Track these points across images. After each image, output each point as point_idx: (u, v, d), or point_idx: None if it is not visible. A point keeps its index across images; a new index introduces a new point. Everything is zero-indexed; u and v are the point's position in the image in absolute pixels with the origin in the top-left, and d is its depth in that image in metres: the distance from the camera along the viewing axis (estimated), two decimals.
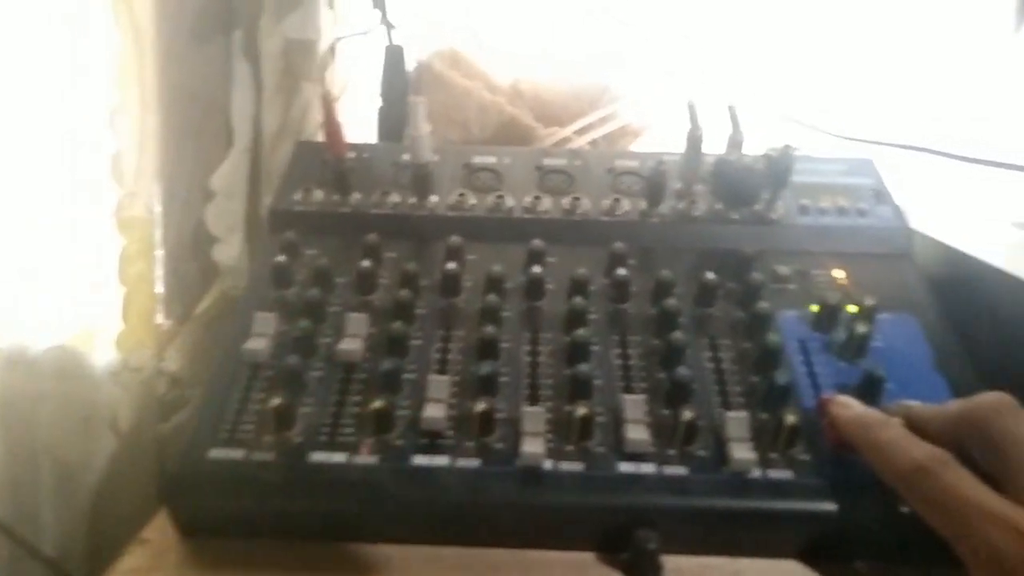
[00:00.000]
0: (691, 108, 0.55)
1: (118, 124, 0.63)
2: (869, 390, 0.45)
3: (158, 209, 0.67)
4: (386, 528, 0.42)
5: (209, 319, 0.73)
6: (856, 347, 0.48)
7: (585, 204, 0.57)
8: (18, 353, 0.64)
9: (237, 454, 0.42)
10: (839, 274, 0.54)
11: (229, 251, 0.75)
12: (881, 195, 0.59)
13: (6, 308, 0.61)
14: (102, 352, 0.66)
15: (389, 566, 0.41)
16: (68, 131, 0.60)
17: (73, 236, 0.61)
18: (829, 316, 0.50)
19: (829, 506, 0.41)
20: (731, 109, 0.55)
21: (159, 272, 0.68)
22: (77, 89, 0.57)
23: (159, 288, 0.68)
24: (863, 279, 0.54)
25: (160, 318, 0.69)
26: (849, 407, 0.42)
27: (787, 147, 0.54)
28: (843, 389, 0.46)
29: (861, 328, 0.48)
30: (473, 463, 0.42)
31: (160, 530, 0.44)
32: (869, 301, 0.50)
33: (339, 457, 0.42)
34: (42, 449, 0.68)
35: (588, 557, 0.42)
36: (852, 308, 0.51)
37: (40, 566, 0.55)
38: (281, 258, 0.52)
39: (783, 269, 0.54)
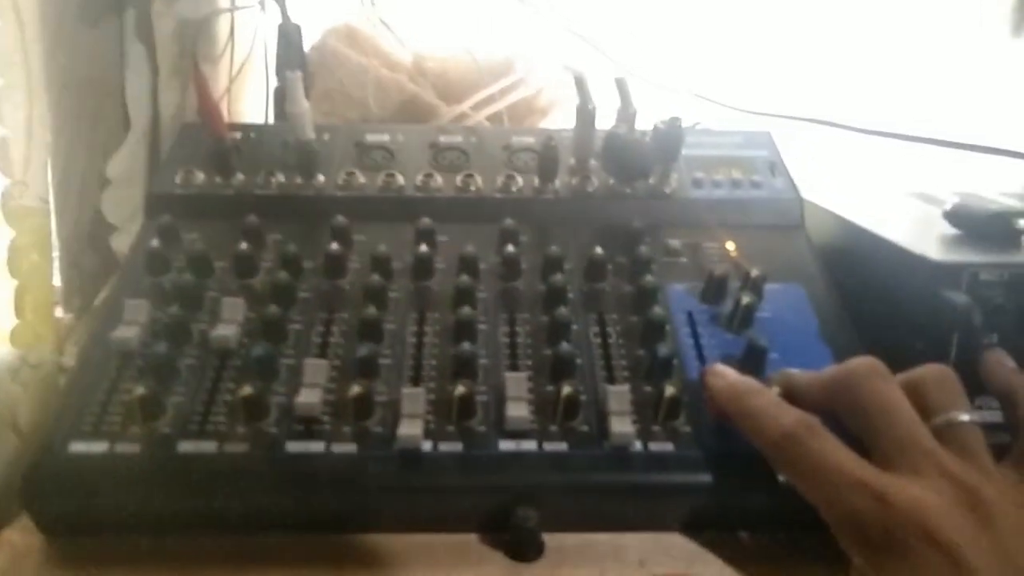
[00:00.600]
0: (579, 81, 0.54)
1: (2, 110, 0.60)
2: (752, 360, 0.45)
3: (52, 198, 0.64)
4: (260, 518, 0.41)
5: None
6: (742, 318, 0.48)
7: (479, 181, 0.56)
8: None
9: (100, 447, 0.41)
10: (730, 246, 0.54)
11: (128, 240, 0.72)
12: (776, 167, 0.59)
13: None
14: None
15: (265, 557, 0.40)
16: None
17: None
18: (717, 288, 0.50)
19: (708, 478, 0.41)
20: (620, 82, 0.54)
21: (56, 264, 0.65)
22: None
23: (57, 280, 0.66)
24: (754, 251, 0.54)
25: (59, 311, 0.67)
26: (723, 376, 0.42)
27: (675, 120, 0.54)
28: (728, 360, 0.46)
29: (747, 299, 0.48)
30: (350, 448, 0.41)
31: (23, 529, 0.42)
32: (755, 272, 0.50)
33: (209, 446, 0.41)
34: None
35: (471, 539, 0.42)
36: (739, 279, 0.51)
37: None
38: (154, 243, 0.50)
39: (674, 243, 0.54)
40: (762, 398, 0.40)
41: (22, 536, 0.41)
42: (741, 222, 0.56)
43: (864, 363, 0.38)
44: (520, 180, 0.56)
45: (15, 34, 0.60)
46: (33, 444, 0.59)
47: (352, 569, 0.40)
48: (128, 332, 0.45)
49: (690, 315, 0.50)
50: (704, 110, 0.69)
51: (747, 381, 0.42)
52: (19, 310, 0.64)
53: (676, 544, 0.42)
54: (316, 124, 0.57)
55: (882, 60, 0.78)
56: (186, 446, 0.41)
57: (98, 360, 0.45)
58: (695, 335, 0.48)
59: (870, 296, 0.51)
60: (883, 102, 0.76)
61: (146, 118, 0.72)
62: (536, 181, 0.56)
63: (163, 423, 0.42)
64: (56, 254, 0.65)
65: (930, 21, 0.79)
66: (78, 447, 0.40)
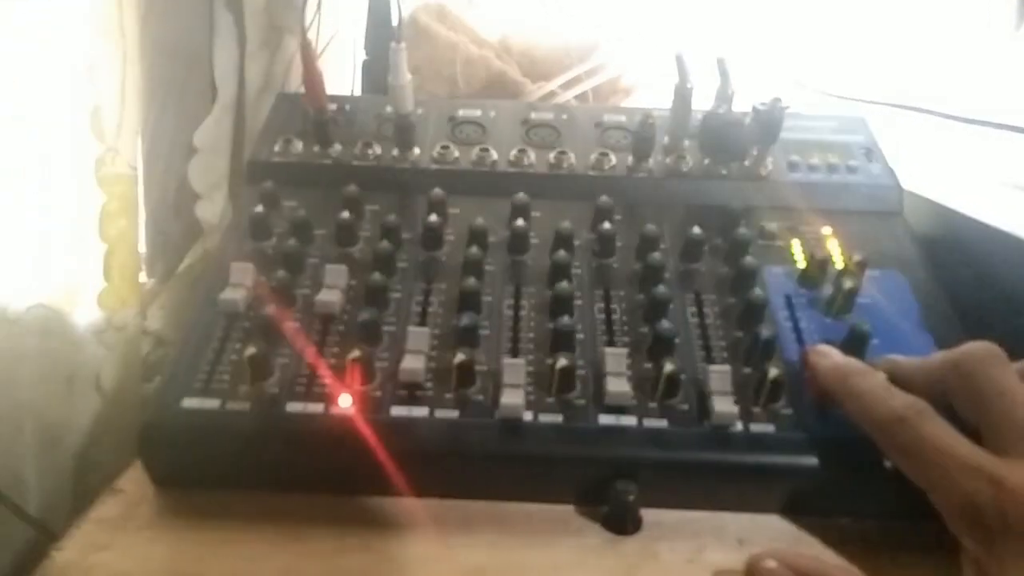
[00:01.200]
0: (679, 61, 0.53)
1: (98, 78, 0.61)
2: (854, 345, 0.45)
3: (140, 166, 0.65)
4: (363, 480, 0.42)
5: (192, 277, 0.72)
6: (842, 303, 0.48)
7: (571, 158, 0.56)
8: None
9: (212, 404, 0.42)
10: (827, 231, 0.53)
11: (212, 208, 0.74)
12: (872, 153, 0.58)
13: None
14: (84, 311, 0.65)
15: (366, 518, 0.41)
16: (46, 86, 0.59)
17: (54, 193, 0.60)
18: (816, 272, 0.49)
19: (811, 460, 0.41)
20: (720, 62, 0.54)
21: (142, 230, 0.67)
22: (55, 42, 0.56)
23: (142, 246, 0.67)
24: (852, 236, 0.53)
25: (143, 276, 0.68)
26: (828, 356, 0.42)
27: (776, 101, 0.53)
28: (828, 344, 0.45)
29: (848, 284, 0.47)
30: (452, 414, 0.42)
31: (136, 480, 0.43)
32: (857, 257, 0.49)
33: (316, 407, 0.42)
34: (25, 409, 0.67)
35: (567, 510, 0.42)
36: (840, 264, 0.50)
37: (25, 527, 0.54)
38: (259, 208, 0.51)
39: (771, 225, 0.53)
40: (870, 379, 0.39)
41: (134, 486, 0.43)
42: (838, 207, 0.55)
43: (982, 347, 0.37)
44: (613, 158, 0.56)
45: (113, 4, 0.62)
46: (115, 404, 0.61)
47: (451, 532, 0.40)
48: (235, 294, 0.46)
49: (788, 298, 0.49)
50: (795, 95, 0.67)
51: (854, 362, 0.41)
52: (107, 274, 0.66)
53: (775, 525, 0.42)
54: None
55: (975, 47, 0.76)
56: (294, 406, 0.42)
57: (206, 321, 0.46)
58: (793, 318, 0.48)
59: (975, 285, 0.50)
60: (976, 90, 0.74)
61: (233, 88, 0.73)
62: (630, 159, 0.56)
63: (271, 383, 0.43)
64: (141, 221, 0.67)
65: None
66: (191, 403, 0.42)
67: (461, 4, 0.75)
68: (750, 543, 0.40)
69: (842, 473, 0.41)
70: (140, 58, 0.64)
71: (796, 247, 0.52)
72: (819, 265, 0.49)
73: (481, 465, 0.41)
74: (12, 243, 0.62)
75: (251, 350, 0.42)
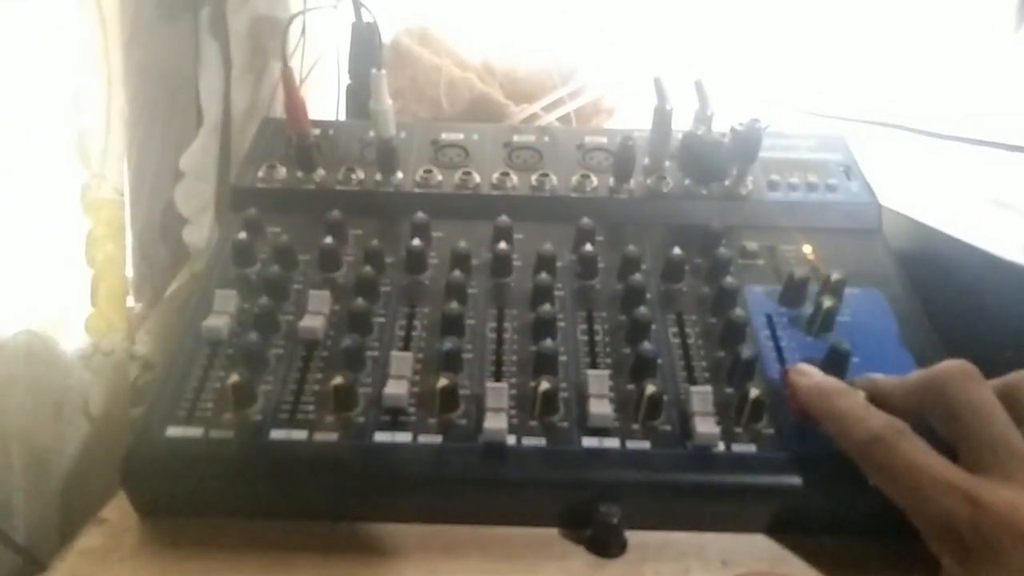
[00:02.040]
0: (658, 83, 0.54)
1: (83, 104, 0.62)
2: (834, 364, 0.45)
3: (126, 191, 0.66)
4: (348, 506, 0.42)
5: (180, 302, 0.72)
6: (823, 322, 0.48)
7: (553, 180, 0.57)
8: None
9: (195, 432, 0.42)
10: (807, 249, 0.54)
11: (199, 232, 0.74)
12: (851, 171, 0.59)
13: None
14: (72, 336, 0.65)
15: (351, 544, 0.41)
16: (32, 112, 0.59)
17: (40, 219, 0.60)
18: (796, 291, 0.50)
19: (793, 480, 0.41)
20: (698, 83, 0.54)
21: (129, 254, 0.67)
22: (40, 69, 0.56)
23: (129, 271, 0.67)
24: (832, 254, 0.54)
25: (130, 301, 0.68)
26: (808, 375, 0.42)
27: (754, 121, 0.54)
28: (809, 363, 0.45)
29: (828, 303, 0.48)
30: (435, 439, 0.42)
31: (120, 509, 0.43)
32: (836, 276, 0.49)
33: (299, 435, 0.42)
34: (12, 434, 0.67)
35: (551, 533, 0.42)
36: (819, 283, 0.50)
37: (10, 554, 0.54)
38: (242, 235, 0.51)
39: (751, 245, 0.54)
40: (849, 399, 0.40)
41: (118, 515, 0.43)
42: (818, 225, 0.55)
43: (957, 365, 0.38)
44: (595, 180, 0.57)
45: (97, 31, 0.62)
46: (104, 429, 0.61)
47: (436, 558, 0.40)
48: (218, 321, 0.47)
49: (769, 318, 0.50)
50: (774, 114, 0.68)
51: (834, 382, 0.42)
52: (94, 299, 0.66)
53: (759, 545, 0.42)
54: None
55: (951, 62, 0.77)
56: (277, 433, 0.42)
57: (190, 348, 0.46)
58: (775, 337, 0.48)
59: (954, 302, 0.51)
60: (952, 106, 0.75)
61: (218, 113, 0.74)
62: (611, 181, 0.57)
63: (255, 410, 0.43)
64: (128, 245, 0.67)
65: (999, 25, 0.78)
66: (174, 431, 0.42)
67: (444, 27, 0.76)
68: (734, 563, 0.41)
69: (824, 492, 0.41)
70: (125, 84, 0.65)
71: (775, 264, 0.53)
72: (799, 284, 0.50)
73: (465, 490, 0.42)
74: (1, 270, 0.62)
75: (234, 378, 0.42)
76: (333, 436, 0.42)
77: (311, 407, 0.43)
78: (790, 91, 0.69)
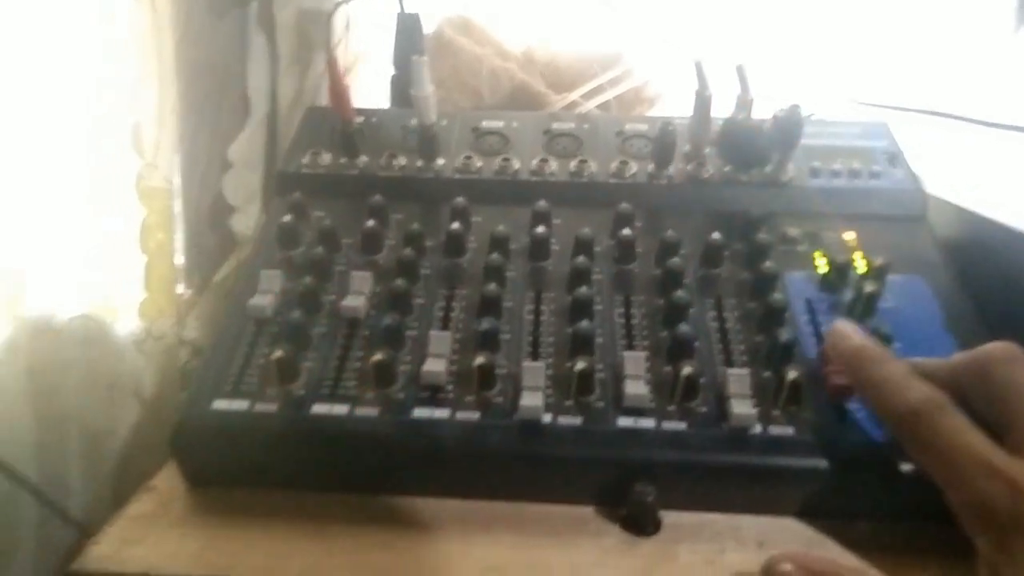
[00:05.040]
0: (699, 68, 0.54)
1: (139, 96, 0.64)
2: None
3: (177, 180, 0.68)
4: (386, 479, 0.43)
5: (227, 288, 0.74)
6: (864, 307, 0.48)
7: (592, 167, 0.57)
8: (45, 322, 0.65)
9: (241, 405, 0.43)
10: (849, 236, 0.53)
11: (246, 220, 0.76)
12: (895, 158, 0.58)
13: (33, 278, 0.63)
14: (125, 321, 0.67)
15: (389, 516, 0.42)
16: (90, 103, 0.61)
17: (96, 207, 0.62)
18: (837, 277, 0.49)
19: (828, 463, 0.41)
20: (739, 69, 0.54)
21: (179, 242, 0.69)
22: (99, 62, 0.58)
23: (179, 258, 0.70)
24: (874, 241, 0.53)
25: (180, 287, 0.71)
26: (848, 337, 0.41)
27: (795, 108, 0.53)
28: None
29: (868, 288, 0.47)
30: (473, 416, 0.43)
31: (169, 480, 0.45)
32: (879, 261, 0.49)
33: (340, 409, 0.43)
34: (69, 416, 0.69)
35: (587, 511, 0.43)
36: (861, 268, 0.50)
37: (68, 529, 0.56)
38: (287, 218, 0.53)
39: (792, 231, 0.53)
40: (890, 366, 0.38)
41: (167, 485, 0.44)
42: (861, 212, 0.55)
43: (1002, 347, 0.37)
44: (634, 166, 0.57)
45: (150, 25, 0.64)
46: (154, 412, 0.63)
47: (472, 532, 0.41)
48: (263, 300, 0.48)
49: (809, 303, 0.49)
50: (818, 102, 0.68)
51: (874, 346, 0.40)
52: (147, 285, 0.68)
53: (794, 528, 0.42)
54: None
55: (994, 48, 0.75)
56: (319, 408, 0.43)
57: (236, 326, 0.48)
58: (814, 323, 0.48)
59: (1000, 290, 0.50)
60: (1000, 93, 0.74)
61: (266, 104, 0.76)
62: (650, 167, 0.57)
63: (298, 385, 0.44)
64: (179, 233, 0.69)
65: None
66: (221, 404, 0.43)
67: (486, 17, 0.76)
68: (770, 544, 0.41)
69: (860, 476, 0.41)
70: (177, 77, 0.67)
71: (817, 252, 0.52)
72: (840, 269, 0.49)
73: (501, 466, 0.42)
74: (58, 255, 0.65)
75: (278, 353, 0.43)
76: (373, 411, 0.43)
77: (352, 383, 0.44)
78: (835, 79, 0.68)
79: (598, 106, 0.69)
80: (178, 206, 0.68)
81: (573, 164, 0.57)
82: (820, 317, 0.48)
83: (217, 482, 0.44)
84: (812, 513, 0.42)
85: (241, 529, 0.41)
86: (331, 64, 0.56)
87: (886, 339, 0.44)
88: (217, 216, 0.75)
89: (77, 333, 0.67)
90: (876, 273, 0.49)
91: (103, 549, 0.40)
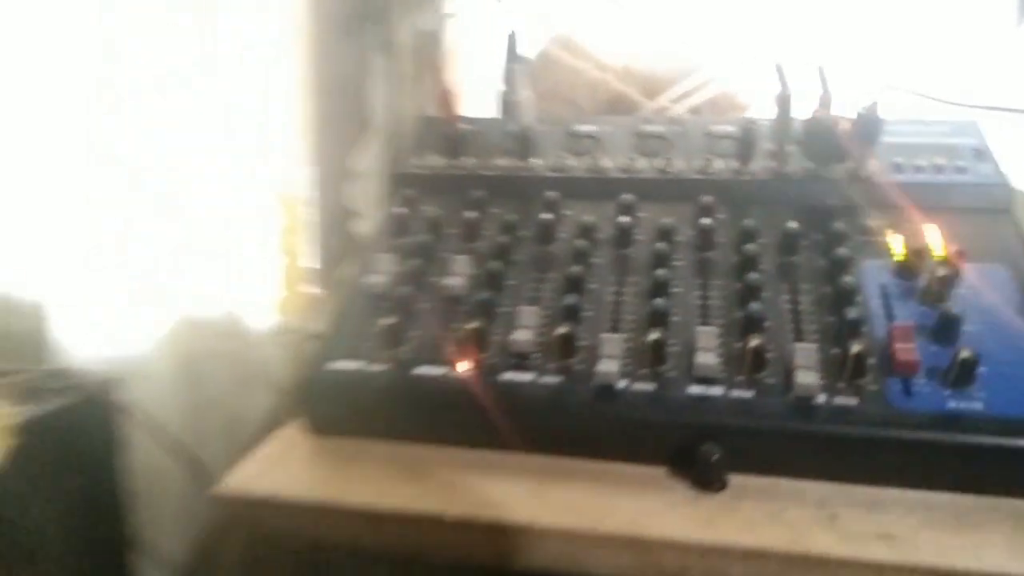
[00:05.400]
0: (779, 70, 0.57)
1: (274, 111, 0.73)
2: (945, 330, 0.46)
3: (309, 189, 0.77)
4: (477, 434, 0.48)
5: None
6: (937, 291, 0.49)
7: (678, 164, 0.61)
8: (195, 317, 0.75)
9: (355, 365, 0.50)
10: (929, 227, 0.55)
11: (367, 225, 0.85)
12: (982, 154, 0.59)
13: (186, 278, 0.73)
14: (263, 316, 0.77)
15: (478, 466, 0.47)
16: (233, 120, 0.71)
17: (240, 215, 0.72)
18: (913, 262, 0.51)
19: (892, 432, 0.43)
20: (820, 69, 0.57)
21: (309, 245, 0.78)
22: (242, 82, 0.68)
23: (309, 259, 0.78)
24: (956, 233, 0.54)
25: (309, 286, 0.79)
26: None
27: (873, 105, 0.55)
28: (920, 329, 0.47)
29: (942, 271, 0.49)
30: (555, 380, 0.47)
31: (297, 429, 0.52)
32: (955, 248, 0.50)
33: (439, 371, 0.49)
34: (212, 403, 0.80)
35: (659, 472, 0.46)
36: (937, 255, 0.51)
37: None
38: (399, 209, 0.59)
39: (871, 222, 0.55)
40: None
41: (293, 433, 0.51)
42: (943, 205, 0.56)
43: None
44: (719, 163, 0.61)
45: (288, 47, 0.74)
46: (284, 399, 0.71)
47: (549, 483, 0.46)
48: (376, 279, 0.55)
49: (883, 287, 0.51)
50: (908, 102, 0.69)
51: None
52: (283, 284, 0.77)
53: (857, 491, 0.44)
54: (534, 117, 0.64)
55: None
56: (422, 369, 0.49)
57: (354, 301, 0.55)
58: (887, 306, 0.50)
59: None
60: None
61: (385, 117, 0.84)
62: (735, 164, 0.60)
63: (404, 350, 0.50)
64: (309, 237, 0.78)
65: None
66: (339, 364, 0.50)
67: (590, 32, 0.82)
68: (830, 506, 0.43)
69: (923, 446, 0.43)
70: (309, 95, 0.76)
71: (894, 240, 0.54)
72: (916, 255, 0.51)
73: (578, 425, 0.47)
74: (208, 259, 0.75)
75: (387, 321, 0.49)
76: (467, 373, 0.48)
77: (451, 349, 0.50)
78: (922, 78, 0.69)
79: (691, 111, 0.73)
80: (309, 212, 0.77)
81: (660, 162, 0.61)
82: (893, 301, 0.50)
83: (334, 431, 0.50)
84: (877, 482, 0.44)
85: (350, 470, 0.47)
86: (438, 76, 0.63)
87: (954, 320, 0.46)
88: (341, 221, 0.83)
89: (222, 327, 0.76)
90: (952, 259, 0.50)
91: (238, 478, 0.47)
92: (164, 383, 0.76)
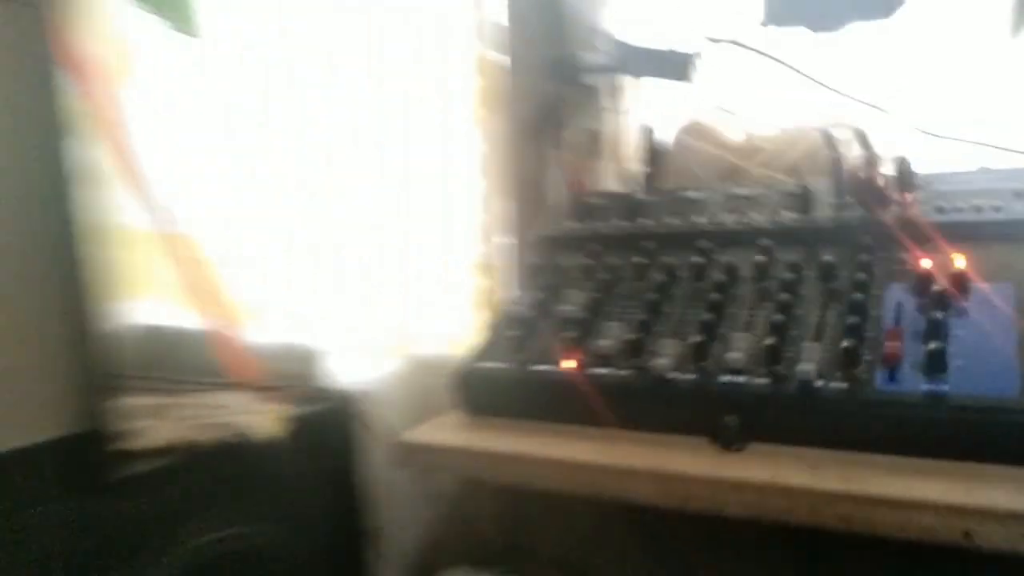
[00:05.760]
0: (826, 136, 0.73)
1: (483, 201, 1.01)
2: (931, 333, 0.59)
3: (500, 257, 1.02)
4: (576, 413, 0.67)
5: None
6: (939, 304, 0.61)
7: (755, 216, 0.77)
8: (420, 358, 1.02)
9: (495, 365, 0.72)
10: (956, 256, 0.65)
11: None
12: (1021, 195, 0.68)
13: (413, 327, 1.00)
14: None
15: (597, 437, 0.66)
16: (451, 206, 1.00)
17: (452, 280, 0.99)
18: (923, 282, 0.63)
19: (875, 412, 0.56)
20: (858, 133, 0.72)
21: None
22: (456, 179, 0.96)
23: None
24: (983, 260, 0.64)
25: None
26: None
27: (905, 159, 0.69)
28: (913, 333, 0.60)
29: (941, 288, 0.61)
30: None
31: (457, 413, 0.75)
32: (959, 266, 0.62)
33: (550, 367, 0.69)
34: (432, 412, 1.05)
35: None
36: (945, 277, 0.63)
37: None
38: (535, 260, 0.82)
39: (904, 255, 0.67)
40: None
41: (452, 415, 0.74)
42: (974, 237, 0.66)
43: None
44: (787, 214, 0.76)
45: (483, 151, 1.01)
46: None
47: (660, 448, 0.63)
48: (518, 306, 0.77)
49: (899, 304, 0.64)
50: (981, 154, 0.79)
51: None
52: (473, 330, 1.01)
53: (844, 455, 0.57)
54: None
55: None
56: (536, 366, 0.70)
57: (498, 321, 0.78)
58: (897, 317, 0.62)
59: None
60: None
61: (551, 196, 1.07)
62: (798, 214, 0.75)
63: (526, 354, 0.71)
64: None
65: None
66: (482, 364, 0.73)
67: (722, 116, 1.00)
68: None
69: (895, 420, 0.56)
70: (502, 186, 1.02)
71: (919, 267, 0.65)
72: (924, 276, 0.63)
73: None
74: (428, 311, 1.02)
75: (514, 332, 0.72)
76: (570, 369, 0.68)
77: (560, 353, 0.70)
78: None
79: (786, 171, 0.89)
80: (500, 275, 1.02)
81: (735, 216, 0.78)
82: (903, 314, 0.63)
83: (484, 412, 0.73)
84: (862, 448, 0.57)
85: (497, 435, 0.69)
86: (581, 164, 0.85)
87: (937, 325, 0.58)
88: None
89: (438, 366, 1.02)
90: (955, 279, 0.62)
91: (413, 435, 0.71)
92: (395, 411, 1.02)
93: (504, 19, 1.02)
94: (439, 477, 0.92)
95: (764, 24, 0.90)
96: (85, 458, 0.57)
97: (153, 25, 0.81)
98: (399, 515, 0.98)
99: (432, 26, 1.01)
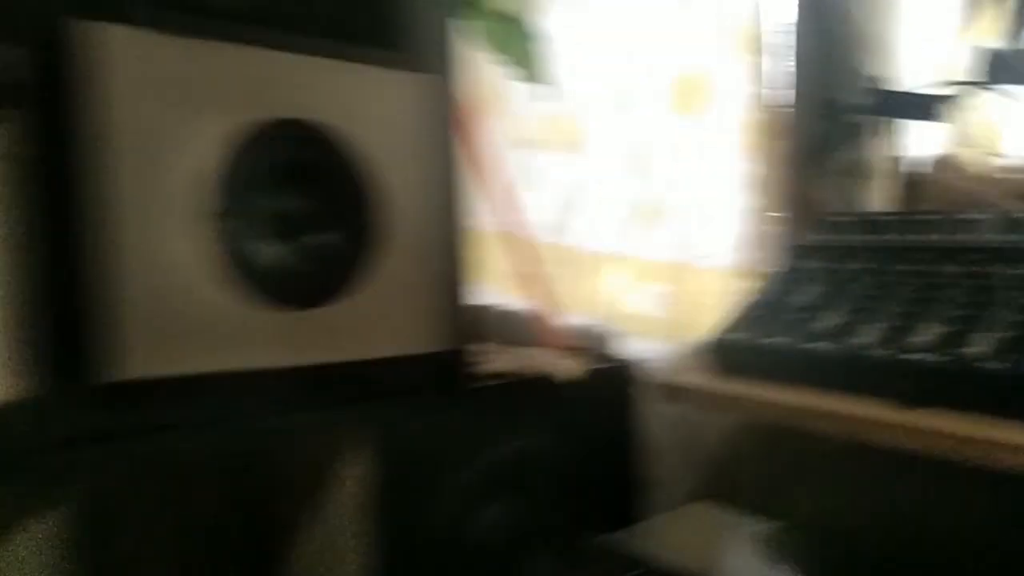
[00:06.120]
0: None
1: (756, 214, 1.23)
2: None
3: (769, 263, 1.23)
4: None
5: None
6: None
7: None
8: (691, 343, 1.26)
9: (736, 336, 0.95)
10: None
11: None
12: None
13: (689, 320, 1.25)
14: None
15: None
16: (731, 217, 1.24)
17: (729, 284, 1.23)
18: None
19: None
20: None
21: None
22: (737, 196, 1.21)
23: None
24: None
25: None
26: None
27: None
28: None
29: None
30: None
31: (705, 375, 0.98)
32: None
33: (786, 342, 0.90)
34: None
35: None
36: None
37: None
38: (782, 268, 1.03)
39: None
40: None
41: (703, 374, 0.98)
42: None
43: None
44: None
45: (767, 175, 1.23)
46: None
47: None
48: (759, 296, 0.99)
49: None
50: None
51: None
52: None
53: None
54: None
55: None
56: (765, 340, 0.91)
57: (742, 307, 1.00)
58: None
59: None
60: None
61: (817, 212, 1.25)
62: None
63: (764, 331, 0.93)
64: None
65: None
66: (726, 336, 0.96)
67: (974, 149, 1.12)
68: None
69: None
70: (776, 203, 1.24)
71: None
72: None
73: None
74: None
75: (756, 314, 0.93)
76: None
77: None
78: None
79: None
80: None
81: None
82: None
83: (735, 373, 0.95)
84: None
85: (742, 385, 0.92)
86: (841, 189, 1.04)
87: None
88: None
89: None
90: None
91: (663, 376, 0.96)
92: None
93: (787, 66, 1.26)
94: (697, 420, 1.13)
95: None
96: (452, 368, 0.89)
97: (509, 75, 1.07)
98: (665, 452, 1.18)
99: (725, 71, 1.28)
